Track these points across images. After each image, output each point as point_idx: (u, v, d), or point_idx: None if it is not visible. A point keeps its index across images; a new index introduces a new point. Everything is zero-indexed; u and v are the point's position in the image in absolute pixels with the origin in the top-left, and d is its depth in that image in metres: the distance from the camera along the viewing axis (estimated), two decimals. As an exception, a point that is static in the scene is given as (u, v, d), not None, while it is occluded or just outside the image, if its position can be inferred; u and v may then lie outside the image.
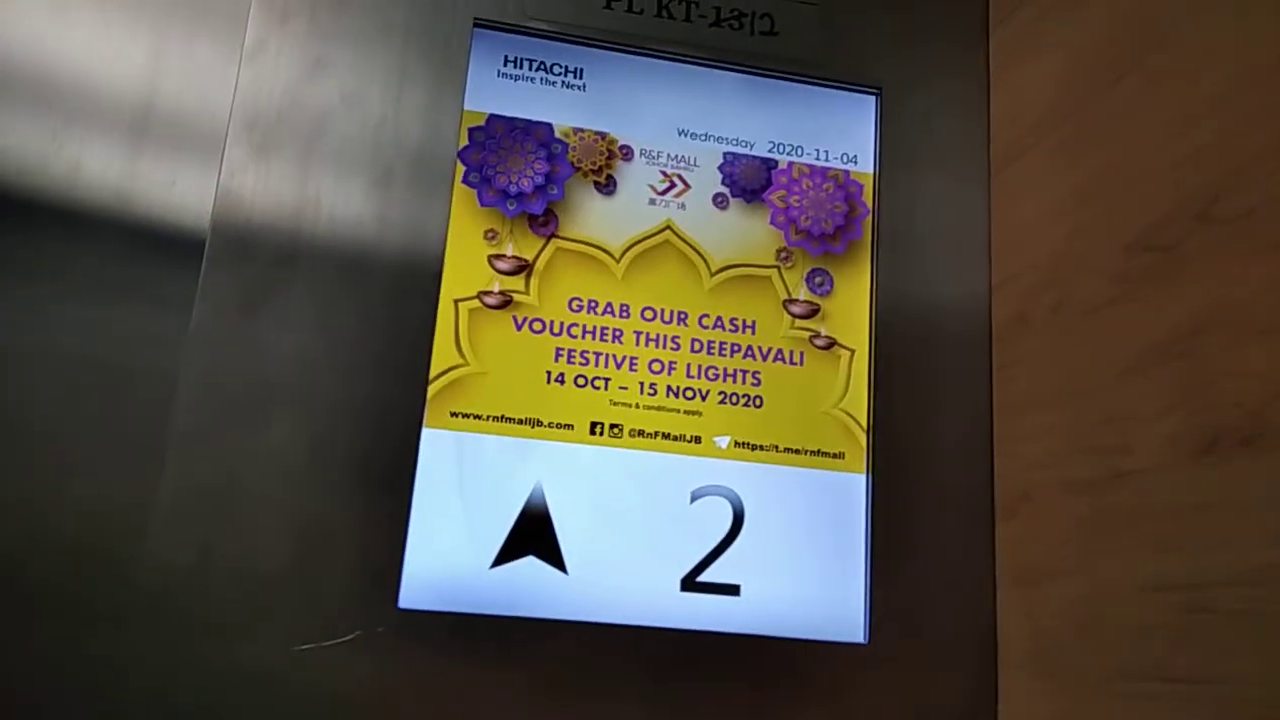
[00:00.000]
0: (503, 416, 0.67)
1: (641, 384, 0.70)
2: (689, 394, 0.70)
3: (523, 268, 0.70)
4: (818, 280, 0.74)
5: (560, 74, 0.74)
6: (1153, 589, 0.55)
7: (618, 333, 0.70)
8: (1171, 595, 0.54)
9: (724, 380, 0.71)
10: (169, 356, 0.63)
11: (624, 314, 0.71)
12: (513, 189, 0.71)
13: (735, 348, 0.72)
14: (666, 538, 0.67)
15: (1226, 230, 0.53)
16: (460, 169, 0.70)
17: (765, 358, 0.72)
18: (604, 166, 0.73)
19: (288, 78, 0.69)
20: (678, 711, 0.64)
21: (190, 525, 0.61)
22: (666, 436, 0.69)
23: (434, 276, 0.68)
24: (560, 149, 0.72)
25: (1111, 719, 0.57)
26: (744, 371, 0.71)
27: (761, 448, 0.70)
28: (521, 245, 0.70)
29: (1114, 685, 0.57)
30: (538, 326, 0.69)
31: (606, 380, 0.69)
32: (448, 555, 0.64)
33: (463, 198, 0.70)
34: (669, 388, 0.70)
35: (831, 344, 0.73)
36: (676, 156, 0.74)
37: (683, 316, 0.72)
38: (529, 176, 0.71)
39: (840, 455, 0.71)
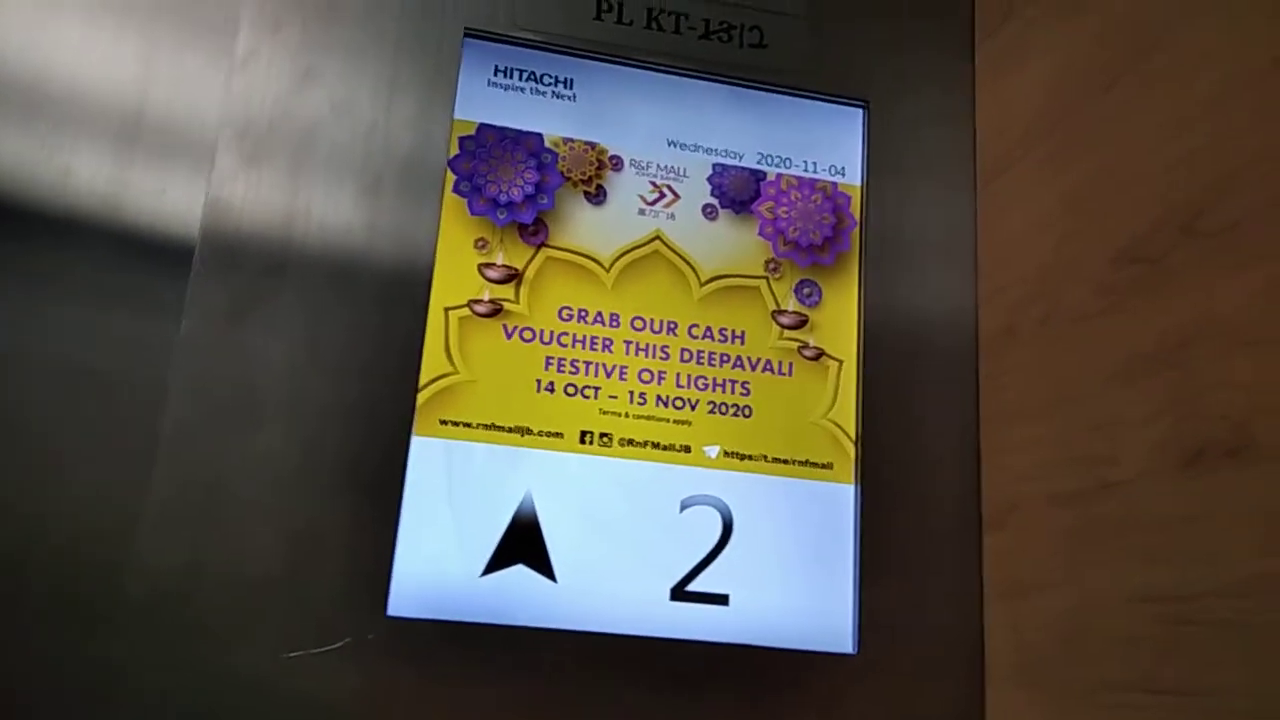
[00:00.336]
0: (492, 425, 0.67)
1: (631, 393, 0.70)
2: (678, 403, 0.70)
3: (513, 276, 0.70)
4: (806, 291, 0.74)
5: (550, 84, 0.74)
6: (1139, 600, 0.55)
7: (607, 342, 0.70)
8: (1158, 607, 0.54)
9: (713, 390, 0.71)
10: (159, 363, 0.63)
11: (614, 323, 0.71)
12: (503, 198, 0.71)
13: (724, 358, 0.72)
14: (656, 547, 0.67)
15: (1211, 243, 0.53)
16: (450, 178, 0.70)
17: (754, 368, 0.72)
18: (594, 176, 0.73)
19: (278, 86, 0.69)
20: (666, 721, 0.64)
21: (179, 531, 0.61)
22: (656, 446, 0.69)
23: (424, 285, 0.68)
24: (550, 159, 0.72)
25: (1098, 729, 0.57)
26: (733, 381, 0.72)
27: (751, 458, 0.70)
28: (511, 254, 0.70)
29: (1100, 697, 0.57)
30: (528, 335, 0.69)
31: (596, 389, 0.69)
32: (437, 563, 0.64)
33: (453, 207, 0.70)
34: (658, 397, 0.70)
35: (820, 355, 0.73)
36: (666, 167, 0.74)
37: (672, 326, 0.72)
38: (519, 186, 0.71)
39: (829, 465, 0.71)
